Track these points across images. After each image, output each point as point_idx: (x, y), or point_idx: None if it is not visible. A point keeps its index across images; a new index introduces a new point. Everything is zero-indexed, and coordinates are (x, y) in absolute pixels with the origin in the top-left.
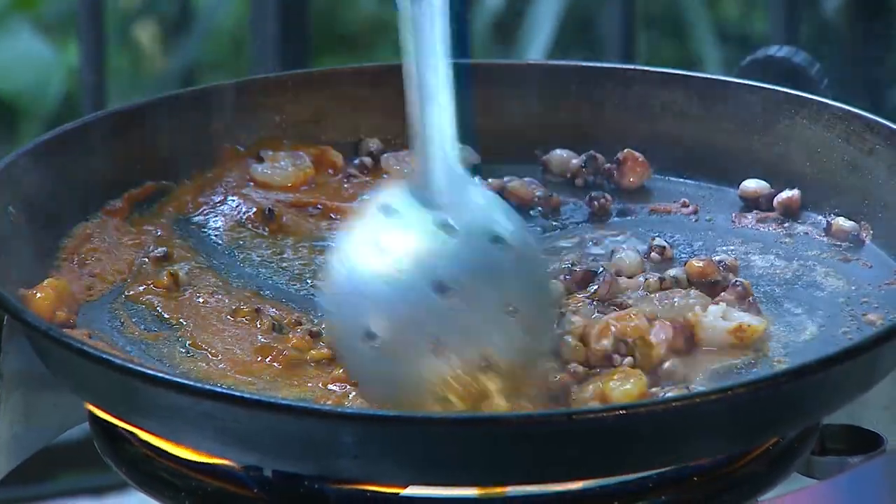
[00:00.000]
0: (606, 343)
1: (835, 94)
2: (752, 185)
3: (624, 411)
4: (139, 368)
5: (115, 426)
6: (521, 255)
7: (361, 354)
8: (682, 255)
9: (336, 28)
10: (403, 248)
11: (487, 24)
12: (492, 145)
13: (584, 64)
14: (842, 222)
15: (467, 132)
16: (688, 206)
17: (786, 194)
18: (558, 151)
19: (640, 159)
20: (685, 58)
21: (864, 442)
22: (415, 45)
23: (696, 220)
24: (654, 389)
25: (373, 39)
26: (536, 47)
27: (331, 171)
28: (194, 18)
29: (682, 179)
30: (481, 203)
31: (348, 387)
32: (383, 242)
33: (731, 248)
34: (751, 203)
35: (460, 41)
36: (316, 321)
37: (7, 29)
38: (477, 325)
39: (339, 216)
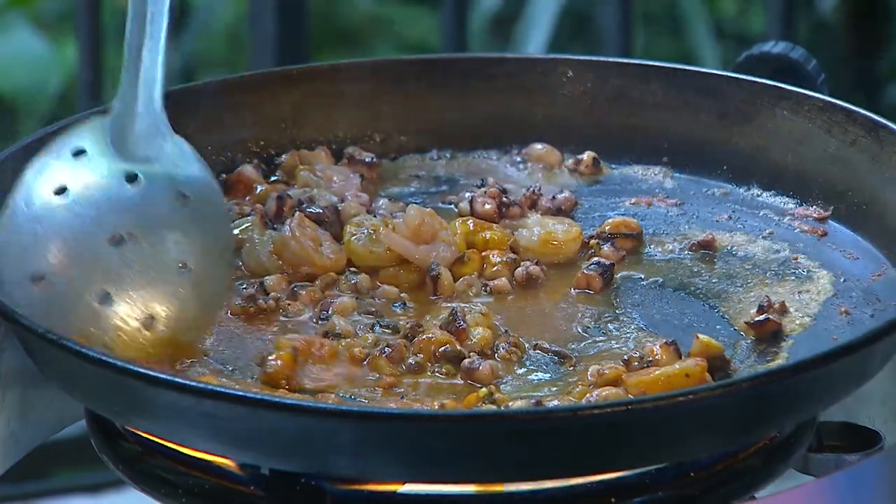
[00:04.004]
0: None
1: (831, 90)
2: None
3: (626, 407)
4: (139, 369)
5: (113, 424)
6: (200, 211)
7: (27, 294)
8: (660, 252)
9: (334, 25)
10: (85, 193)
11: (486, 20)
12: (472, 138)
13: (565, 57)
14: (825, 214)
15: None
16: (669, 199)
17: None
18: (537, 146)
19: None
20: (682, 54)
21: (862, 439)
22: None
23: (679, 214)
24: None
25: (371, 36)
26: (535, 43)
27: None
28: (191, 16)
29: (662, 171)
30: (174, 156)
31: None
32: (66, 183)
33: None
34: None
35: None
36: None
37: (4, 27)
38: (146, 278)
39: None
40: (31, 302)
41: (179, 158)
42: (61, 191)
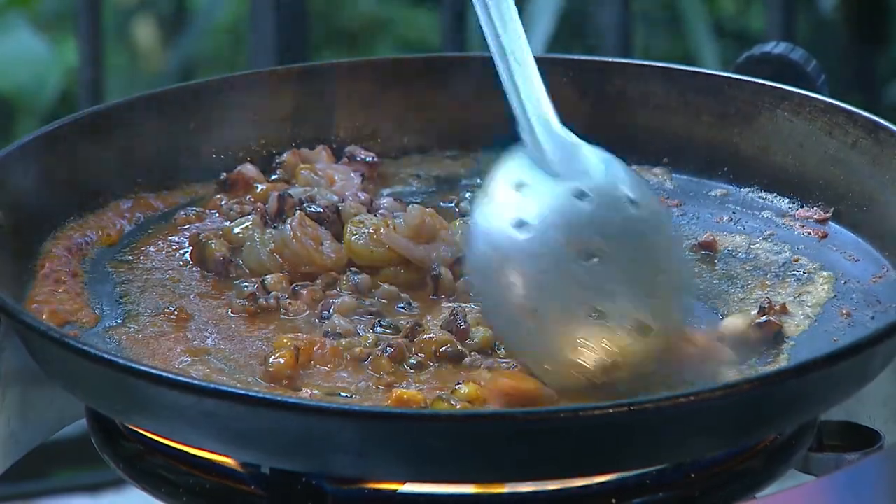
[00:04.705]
0: None
1: (831, 89)
2: None
3: (627, 408)
4: (142, 368)
5: (113, 423)
6: (654, 214)
7: (522, 329)
8: None
9: (335, 24)
10: (544, 219)
11: None
12: (471, 137)
13: (565, 57)
14: (826, 216)
15: None
16: (670, 200)
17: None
18: None
19: None
20: (682, 54)
21: (862, 438)
22: (490, 22)
23: (680, 214)
24: None
25: (371, 36)
26: (535, 42)
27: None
28: (192, 15)
29: (663, 172)
30: (603, 166)
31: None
32: (523, 217)
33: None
34: None
35: None
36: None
37: (4, 26)
38: (629, 288)
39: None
40: (522, 337)
41: (607, 166)
42: (520, 224)
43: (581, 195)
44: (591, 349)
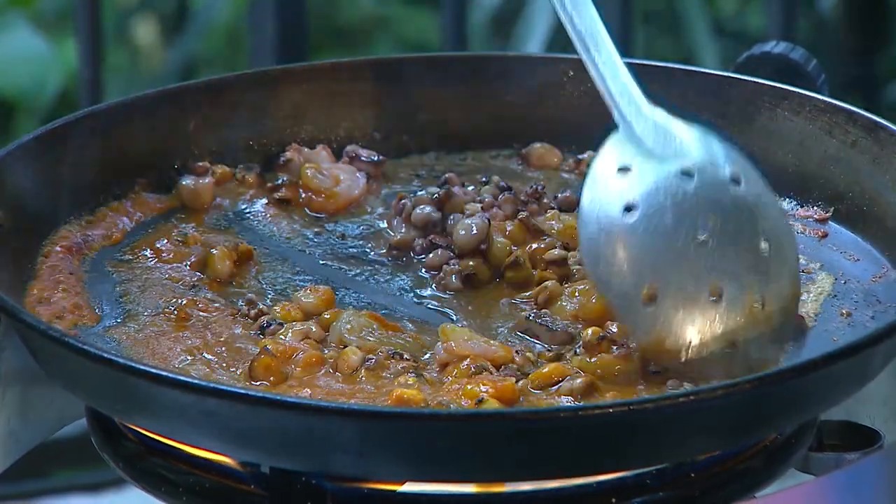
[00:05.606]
0: None
1: (831, 88)
2: None
3: (627, 408)
4: (142, 368)
5: (113, 422)
6: (757, 189)
7: (643, 317)
8: None
9: (334, 24)
10: (651, 201)
11: (486, 19)
12: (472, 137)
13: (566, 56)
14: (826, 215)
15: None
16: None
17: None
18: (537, 145)
19: None
20: (682, 54)
21: (862, 438)
22: (564, 9)
23: None
24: None
25: (372, 35)
26: (535, 42)
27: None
28: (192, 14)
29: None
30: (700, 144)
31: None
32: (630, 200)
33: None
34: None
35: None
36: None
37: (4, 26)
38: (743, 266)
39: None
40: (648, 320)
41: (704, 143)
42: (628, 208)
43: (684, 175)
44: (711, 329)
